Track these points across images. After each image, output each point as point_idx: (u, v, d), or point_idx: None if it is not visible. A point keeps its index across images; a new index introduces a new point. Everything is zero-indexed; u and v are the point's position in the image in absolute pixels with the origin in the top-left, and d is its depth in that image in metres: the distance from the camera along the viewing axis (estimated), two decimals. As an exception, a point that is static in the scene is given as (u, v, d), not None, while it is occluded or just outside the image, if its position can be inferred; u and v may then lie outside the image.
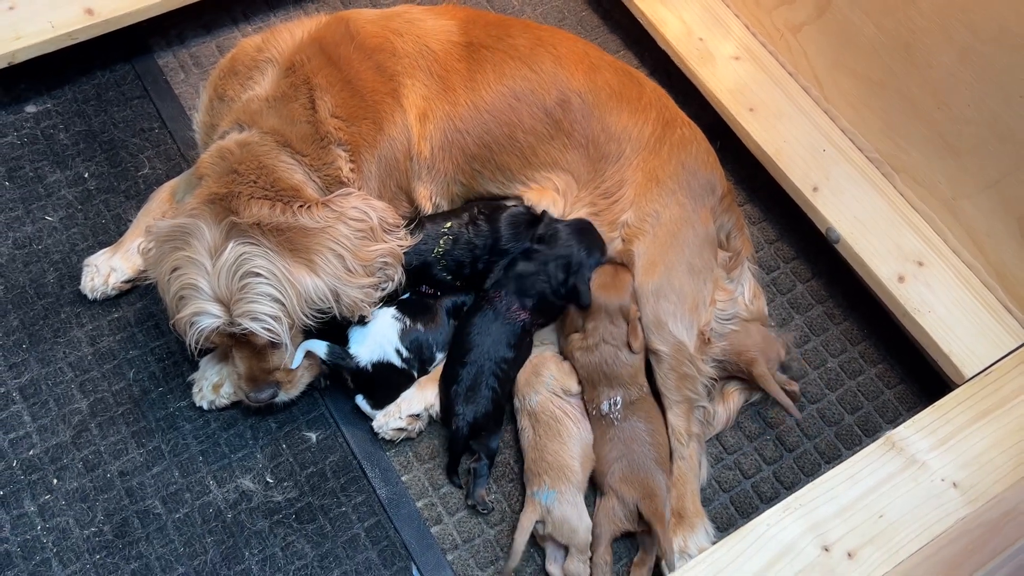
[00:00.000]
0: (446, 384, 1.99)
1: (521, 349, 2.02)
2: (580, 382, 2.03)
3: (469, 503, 1.96)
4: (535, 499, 1.87)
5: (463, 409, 1.94)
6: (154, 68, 2.55)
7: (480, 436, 1.96)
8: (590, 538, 1.87)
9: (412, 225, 2.04)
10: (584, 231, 2.06)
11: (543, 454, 1.92)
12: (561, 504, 1.86)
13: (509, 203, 2.11)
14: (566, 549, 1.88)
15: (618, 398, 1.96)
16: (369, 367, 1.96)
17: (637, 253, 2.04)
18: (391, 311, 2.01)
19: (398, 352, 1.99)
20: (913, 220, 2.21)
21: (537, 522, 1.87)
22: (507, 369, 1.99)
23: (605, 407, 1.97)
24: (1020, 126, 1.91)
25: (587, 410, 2.01)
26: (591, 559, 1.87)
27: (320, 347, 1.93)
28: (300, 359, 1.91)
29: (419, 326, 2.02)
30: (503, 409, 2.02)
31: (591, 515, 1.90)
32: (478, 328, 1.99)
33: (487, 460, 1.96)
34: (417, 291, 2.07)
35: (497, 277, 2.04)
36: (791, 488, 2.01)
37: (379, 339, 1.98)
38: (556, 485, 1.88)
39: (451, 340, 2.05)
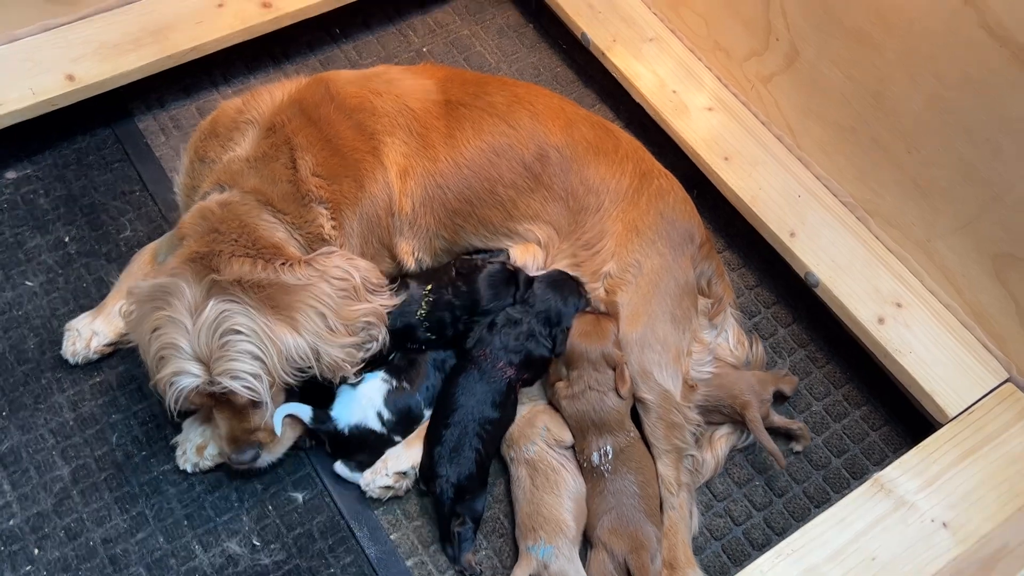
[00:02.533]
0: (429, 445, 1.96)
1: (506, 409, 2.01)
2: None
3: (456, 568, 1.93)
4: (530, 554, 1.85)
5: (447, 471, 1.91)
6: (135, 132, 2.57)
7: (464, 498, 1.92)
8: (588, 593, 1.85)
9: (396, 285, 2.05)
10: (558, 282, 2.08)
11: (539, 507, 1.90)
12: (558, 559, 1.84)
13: (489, 258, 2.12)
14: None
15: (608, 448, 1.96)
16: (346, 430, 1.94)
17: (621, 303, 2.05)
18: (380, 373, 1.99)
19: (379, 416, 1.97)
20: (890, 262, 2.24)
21: (530, 577, 1.85)
22: (491, 430, 1.97)
23: (596, 458, 1.96)
24: (987, 168, 1.95)
25: (578, 462, 2.00)
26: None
27: (304, 412, 1.90)
28: (279, 424, 1.88)
29: (406, 386, 2.00)
30: (487, 470, 1.99)
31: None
32: (462, 388, 1.98)
33: (472, 523, 1.93)
34: (404, 347, 2.05)
35: (480, 336, 2.04)
36: (782, 534, 2.00)
37: (361, 401, 1.95)
38: (552, 540, 1.85)
39: (436, 399, 2.03)
